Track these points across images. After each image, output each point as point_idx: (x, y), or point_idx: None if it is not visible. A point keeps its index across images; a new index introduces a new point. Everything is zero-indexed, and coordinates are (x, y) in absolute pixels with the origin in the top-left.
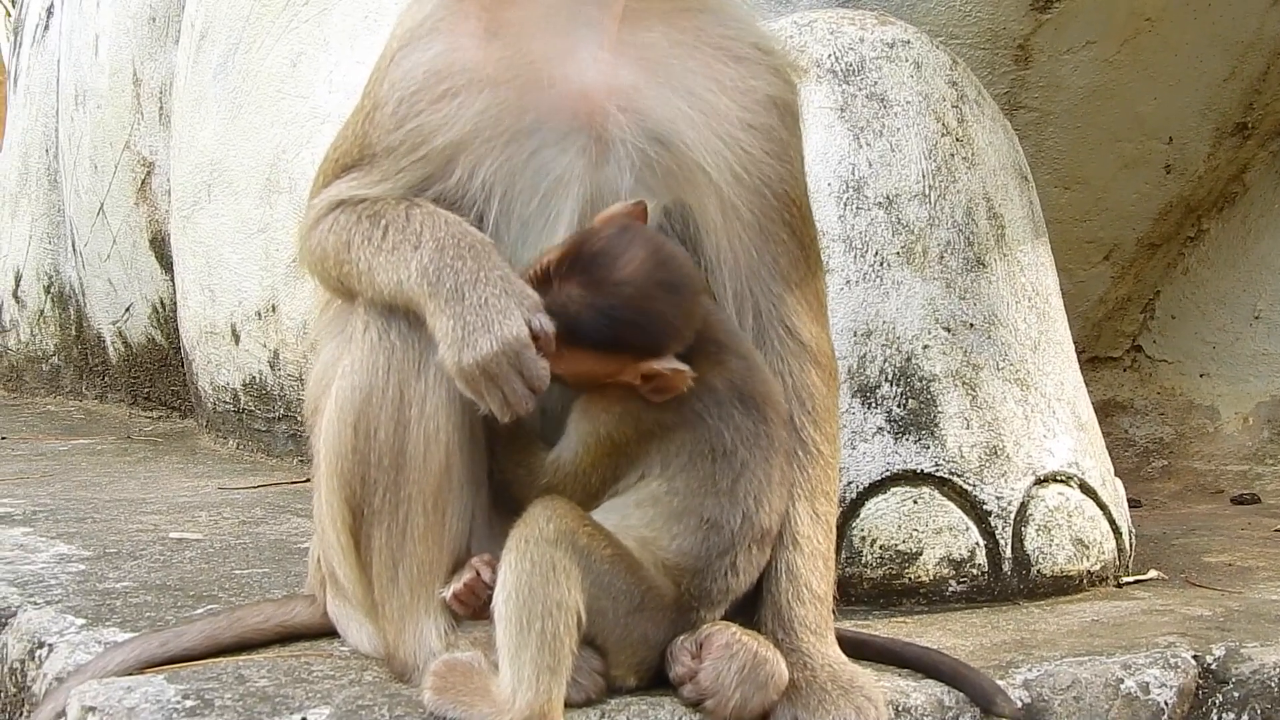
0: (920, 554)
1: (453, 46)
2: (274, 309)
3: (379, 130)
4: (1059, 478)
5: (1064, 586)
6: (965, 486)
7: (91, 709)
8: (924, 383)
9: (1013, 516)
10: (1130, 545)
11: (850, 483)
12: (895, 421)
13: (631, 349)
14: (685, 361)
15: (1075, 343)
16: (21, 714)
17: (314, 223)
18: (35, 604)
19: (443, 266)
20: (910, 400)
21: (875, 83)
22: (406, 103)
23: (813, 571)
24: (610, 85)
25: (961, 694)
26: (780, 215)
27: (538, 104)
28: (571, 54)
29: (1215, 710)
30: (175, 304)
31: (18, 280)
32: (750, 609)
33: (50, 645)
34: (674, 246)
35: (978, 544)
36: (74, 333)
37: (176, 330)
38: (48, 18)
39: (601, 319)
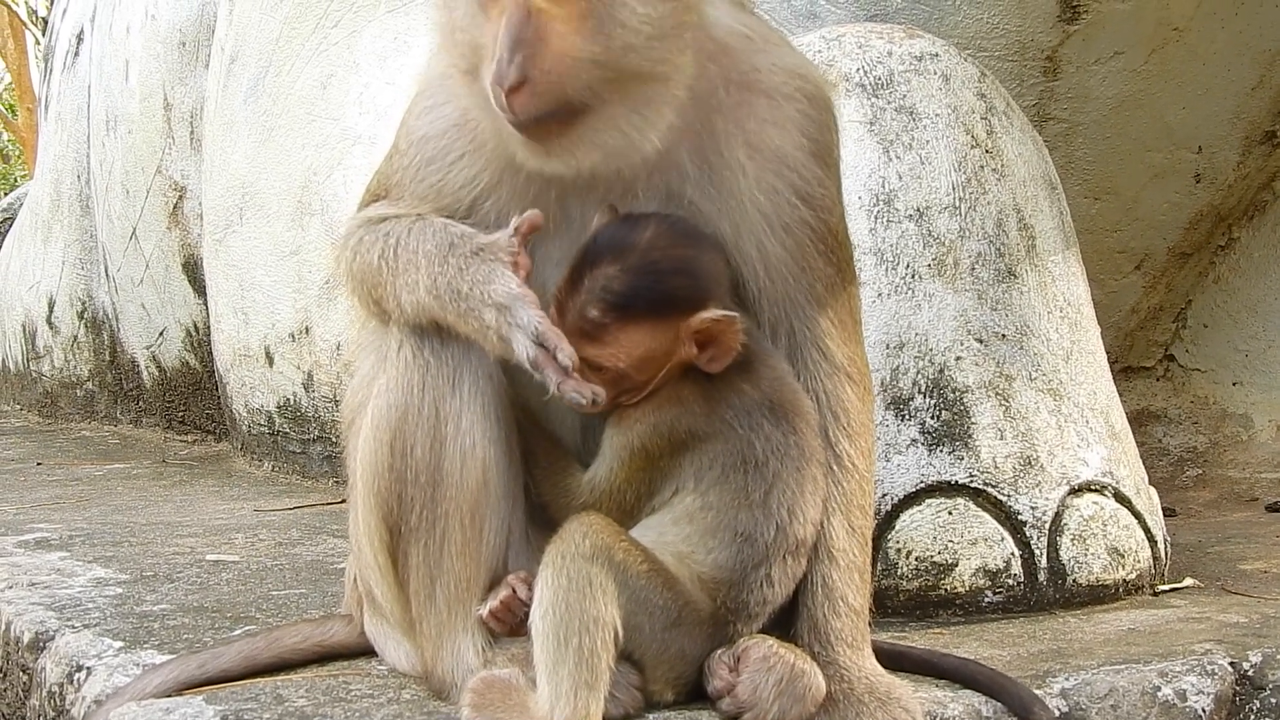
0: (956, 565)
1: (468, 109)
2: (307, 331)
3: (400, 177)
4: (1093, 487)
5: (1100, 595)
6: (1000, 497)
7: None
8: (957, 394)
9: (1048, 526)
10: (1165, 554)
11: (885, 495)
12: (929, 433)
13: (681, 302)
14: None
15: (1108, 353)
16: None
17: (344, 241)
18: (73, 627)
19: (437, 275)
20: (943, 412)
21: (904, 96)
22: (427, 162)
23: (848, 584)
24: None
25: (999, 704)
26: (815, 246)
27: None
28: None
29: (1253, 716)
30: (209, 328)
31: (51, 306)
32: (787, 623)
33: (88, 668)
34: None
35: (1013, 554)
36: (108, 358)
37: (210, 354)
38: (78, 44)
39: (647, 278)
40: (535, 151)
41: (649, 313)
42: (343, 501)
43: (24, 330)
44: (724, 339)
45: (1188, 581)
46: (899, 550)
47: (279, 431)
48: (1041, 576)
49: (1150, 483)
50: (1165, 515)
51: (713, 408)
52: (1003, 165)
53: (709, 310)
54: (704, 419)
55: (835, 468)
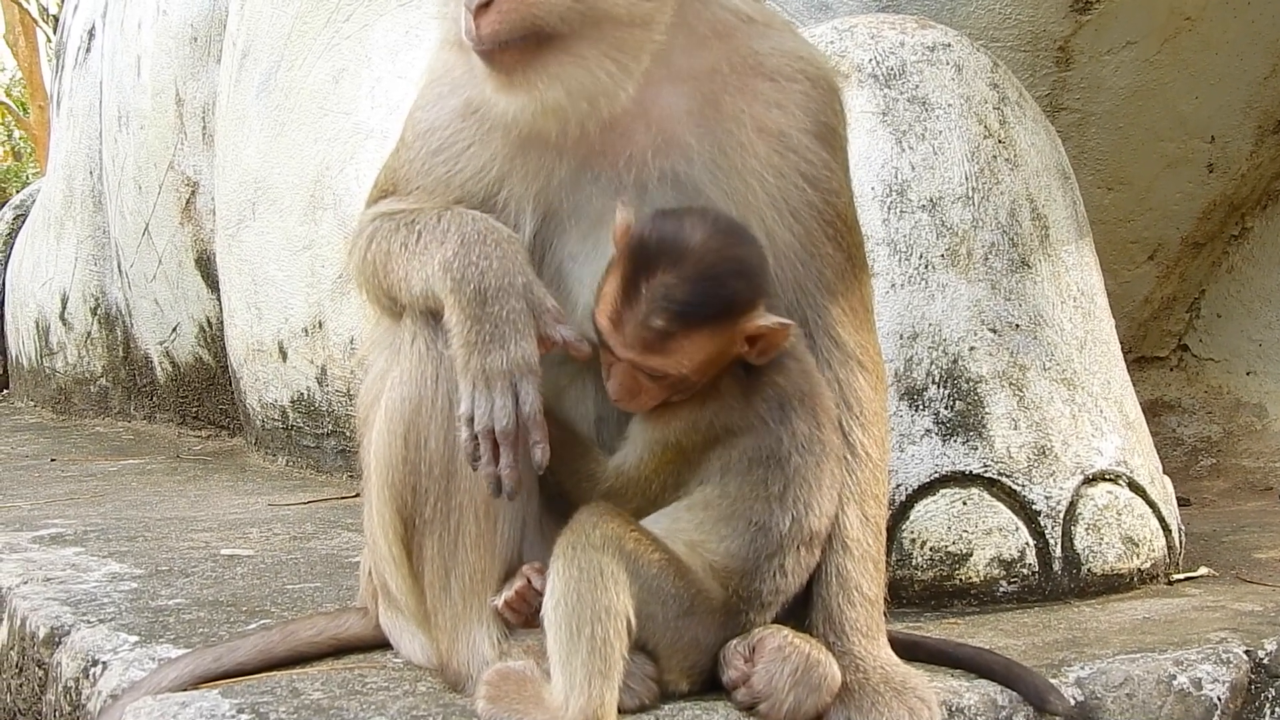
0: (970, 555)
1: (474, 100)
2: (320, 325)
3: (407, 171)
4: (1108, 476)
5: (1114, 584)
6: (1014, 487)
7: None
8: (971, 384)
9: (1062, 516)
10: (1180, 543)
11: (899, 485)
12: (943, 423)
13: (741, 305)
14: (746, 367)
15: (1121, 343)
16: None
17: (358, 233)
18: (88, 622)
19: (467, 264)
20: (958, 402)
21: (916, 86)
22: (433, 154)
23: (863, 574)
24: (641, 127)
25: (1014, 693)
26: (824, 231)
27: (570, 148)
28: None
29: (1269, 704)
30: (222, 323)
31: (64, 303)
32: (801, 613)
33: (104, 663)
34: (707, 205)
35: (1028, 544)
36: (121, 354)
37: (224, 349)
38: (89, 40)
39: (706, 283)
40: (499, 83)
41: (713, 319)
42: (356, 495)
43: (37, 327)
44: (773, 336)
45: (1202, 570)
46: (914, 540)
47: (293, 426)
48: (1056, 566)
49: (1164, 472)
50: (1179, 505)
51: (749, 402)
52: (1016, 155)
53: (764, 315)
54: (740, 414)
55: (849, 457)
